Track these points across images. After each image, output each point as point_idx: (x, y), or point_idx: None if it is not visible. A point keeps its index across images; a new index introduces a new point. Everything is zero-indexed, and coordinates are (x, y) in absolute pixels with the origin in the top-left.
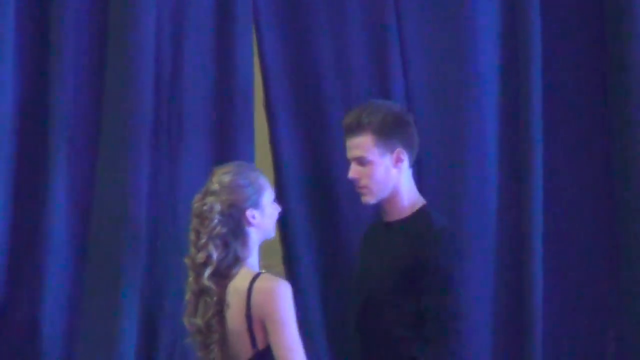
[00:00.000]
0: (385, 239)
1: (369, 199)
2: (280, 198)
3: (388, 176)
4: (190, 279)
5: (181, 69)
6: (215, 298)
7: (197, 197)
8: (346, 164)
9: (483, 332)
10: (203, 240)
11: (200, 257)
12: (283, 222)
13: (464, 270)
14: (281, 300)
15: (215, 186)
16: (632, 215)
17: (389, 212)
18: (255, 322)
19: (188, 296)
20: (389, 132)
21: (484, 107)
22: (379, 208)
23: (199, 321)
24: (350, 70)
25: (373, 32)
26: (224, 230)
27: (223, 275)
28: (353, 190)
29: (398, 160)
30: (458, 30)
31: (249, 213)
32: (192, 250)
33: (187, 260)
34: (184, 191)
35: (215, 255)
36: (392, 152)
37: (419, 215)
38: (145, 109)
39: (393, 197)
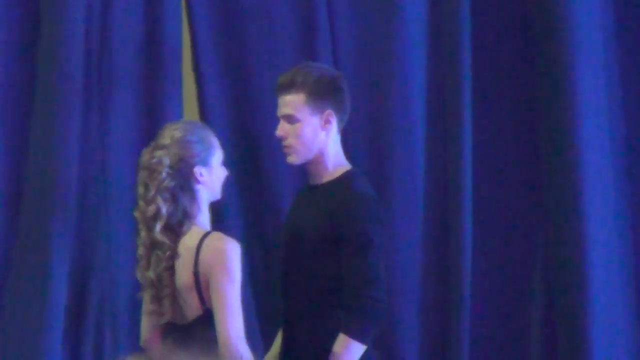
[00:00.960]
0: (308, 203)
1: (294, 159)
2: None
3: (315, 137)
4: (142, 232)
5: (110, 26)
6: (168, 252)
7: (146, 150)
8: (273, 124)
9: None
10: (151, 193)
11: (150, 210)
12: None
13: (389, 237)
14: (229, 260)
15: (165, 140)
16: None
17: (313, 175)
18: (203, 280)
19: (140, 250)
20: (321, 93)
21: (411, 76)
22: (307, 171)
23: (151, 274)
24: (276, 28)
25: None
26: (172, 184)
27: (174, 230)
28: (279, 151)
29: (327, 122)
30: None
31: (197, 170)
32: (141, 203)
33: (136, 214)
34: (113, 148)
35: (164, 208)
36: (321, 113)
37: (342, 179)
38: (75, 67)
39: (318, 160)
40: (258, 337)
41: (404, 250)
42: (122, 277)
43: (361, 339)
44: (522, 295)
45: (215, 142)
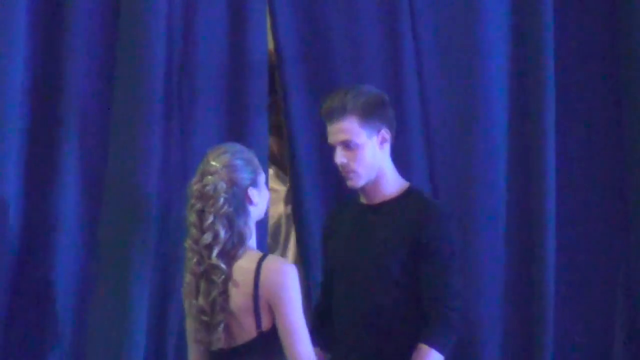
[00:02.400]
0: (371, 222)
1: (357, 183)
2: (294, 176)
3: (375, 158)
4: (193, 261)
5: (194, 43)
6: (223, 277)
7: (194, 179)
8: None
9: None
10: (209, 221)
11: (206, 238)
12: (297, 205)
13: (471, 249)
14: (290, 281)
15: (215, 166)
16: None
17: (372, 194)
18: (262, 302)
19: (188, 278)
20: (373, 113)
21: (494, 92)
22: (363, 192)
23: (202, 302)
24: (362, 48)
25: (386, 9)
26: (230, 209)
27: (230, 255)
28: None
29: (383, 141)
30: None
31: (250, 192)
32: (194, 232)
33: (187, 244)
34: (195, 165)
35: (222, 234)
36: (377, 133)
37: (410, 194)
38: (157, 84)
39: (379, 178)
40: None
41: (487, 259)
42: None
43: (442, 350)
44: (607, 303)
45: (258, 163)
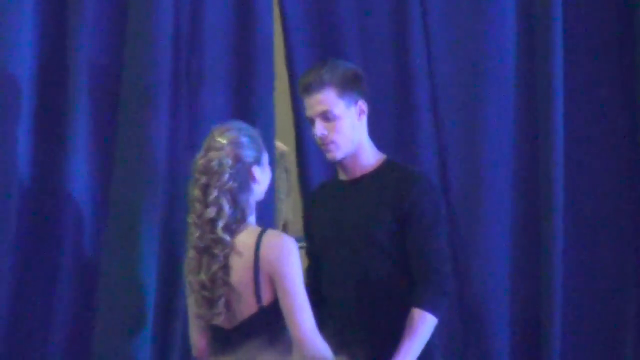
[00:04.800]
0: (353, 196)
1: (336, 155)
2: (301, 155)
3: (354, 129)
4: (195, 235)
5: (201, 21)
6: (225, 251)
7: (199, 155)
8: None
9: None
10: (213, 195)
11: (210, 212)
12: (304, 183)
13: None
14: (291, 255)
15: (220, 142)
16: None
17: (351, 168)
18: (263, 277)
19: (191, 253)
20: (351, 85)
21: (502, 77)
22: (342, 166)
23: (203, 276)
24: (370, 27)
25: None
26: (235, 184)
27: (231, 230)
28: None
29: (361, 112)
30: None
31: (254, 169)
32: (197, 206)
33: (190, 218)
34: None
35: (226, 209)
36: (355, 104)
37: (389, 165)
38: (164, 63)
39: (358, 152)
40: None
41: (494, 252)
42: None
43: (436, 313)
44: (615, 298)
45: (262, 142)
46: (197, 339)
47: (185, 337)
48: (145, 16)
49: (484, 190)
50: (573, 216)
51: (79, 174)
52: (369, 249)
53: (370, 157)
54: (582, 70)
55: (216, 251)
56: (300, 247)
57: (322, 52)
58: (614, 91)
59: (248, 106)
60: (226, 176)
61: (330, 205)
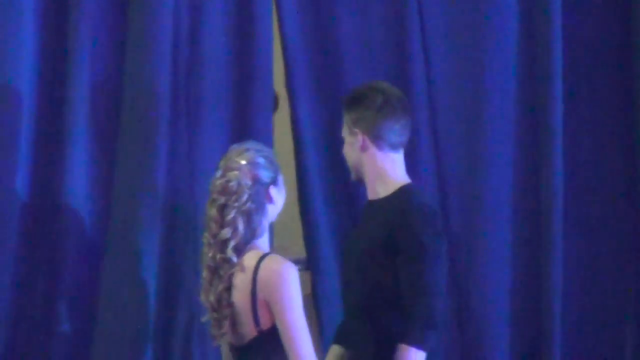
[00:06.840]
0: (367, 217)
1: (352, 176)
2: (301, 179)
3: (354, 155)
4: (209, 255)
5: (200, 47)
6: (231, 271)
7: (217, 175)
8: None
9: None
10: (231, 216)
11: (226, 233)
12: (304, 206)
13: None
14: (286, 282)
15: (238, 162)
16: None
17: (370, 191)
18: (260, 301)
19: (205, 273)
20: (353, 112)
21: (502, 85)
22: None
23: (211, 297)
24: (370, 50)
25: (393, 10)
26: (253, 205)
27: (239, 250)
28: None
29: (364, 147)
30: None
31: (271, 190)
32: (213, 226)
33: (205, 238)
34: (201, 172)
35: (240, 229)
36: (355, 135)
37: (399, 193)
38: (163, 86)
39: (372, 177)
40: None
41: (494, 254)
42: None
43: (419, 346)
44: (615, 299)
45: (277, 162)
46: (227, 353)
47: (186, 340)
48: (146, 20)
49: (484, 191)
50: (573, 216)
51: (79, 174)
52: (362, 279)
53: (388, 185)
54: (582, 70)
55: (222, 272)
56: (300, 270)
57: (322, 71)
58: (614, 91)
59: (247, 126)
60: (245, 197)
61: (356, 223)
